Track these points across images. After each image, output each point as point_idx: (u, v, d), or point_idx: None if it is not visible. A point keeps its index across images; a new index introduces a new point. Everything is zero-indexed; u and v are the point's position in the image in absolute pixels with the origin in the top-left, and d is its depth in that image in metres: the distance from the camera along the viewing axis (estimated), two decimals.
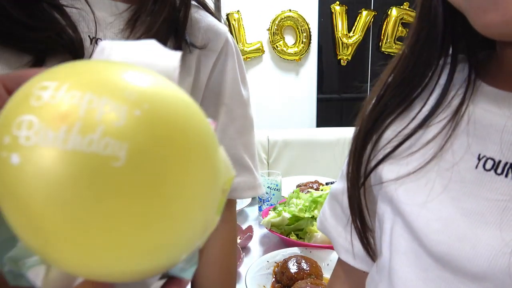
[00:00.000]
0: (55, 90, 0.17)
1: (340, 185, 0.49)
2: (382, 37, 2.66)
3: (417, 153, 0.38)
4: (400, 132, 0.40)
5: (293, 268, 0.87)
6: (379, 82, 0.42)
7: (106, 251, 0.17)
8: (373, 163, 0.41)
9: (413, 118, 0.39)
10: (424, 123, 0.39)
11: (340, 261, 0.51)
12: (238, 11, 2.40)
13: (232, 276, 0.69)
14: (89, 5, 0.46)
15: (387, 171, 0.39)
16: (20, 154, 0.16)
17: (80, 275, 0.19)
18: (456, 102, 0.37)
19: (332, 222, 0.50)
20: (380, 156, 0.41)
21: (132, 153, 0.17)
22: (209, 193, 0.20)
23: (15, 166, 0.16)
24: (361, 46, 2.66)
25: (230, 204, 0.68)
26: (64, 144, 0.16)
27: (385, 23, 2.63)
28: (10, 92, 0.26)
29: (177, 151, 0.18)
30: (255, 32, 2.44)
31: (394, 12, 2.58)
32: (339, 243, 0.49)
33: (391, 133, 0.40)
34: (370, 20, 2.60)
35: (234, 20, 2.39)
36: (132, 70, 0.19)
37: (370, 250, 0.43)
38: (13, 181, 0.16)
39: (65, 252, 0.17)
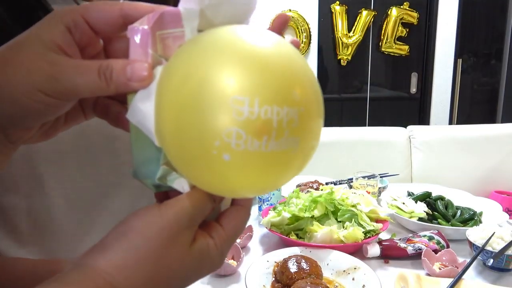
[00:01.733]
0: (250, 106, 0.23)
1: None
2: (382, 37, 2.66)
3: None
4: None
5: (293, 267, 0.86)
6: None
7: (262, 189, 0.28)
8: None
9: None
10: None
11: None
12: None
13: None
14: None
15: None
16: (230, 154, 0.24)
17: (217, 194, 0.29)
18: None
19: None
20: None
21: (301, 143, 0.25)
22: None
23: (226, 161, 0.24)
24: (361, 46, 2.66)
25: None
26: (266, 148, 0.24)
27: (385, 23, 2.63)
28: (91, 25, 0.28)
29: (317, 129, 0.27)
30: None
31: (394, 12, 2.58)
32: None
33: None
34: (370, 20, 2.60)
35: None
36: (280, 64, 0.25)
37: None
38: (222, 170, 0.25)
39: (236, 189, 0.27)
